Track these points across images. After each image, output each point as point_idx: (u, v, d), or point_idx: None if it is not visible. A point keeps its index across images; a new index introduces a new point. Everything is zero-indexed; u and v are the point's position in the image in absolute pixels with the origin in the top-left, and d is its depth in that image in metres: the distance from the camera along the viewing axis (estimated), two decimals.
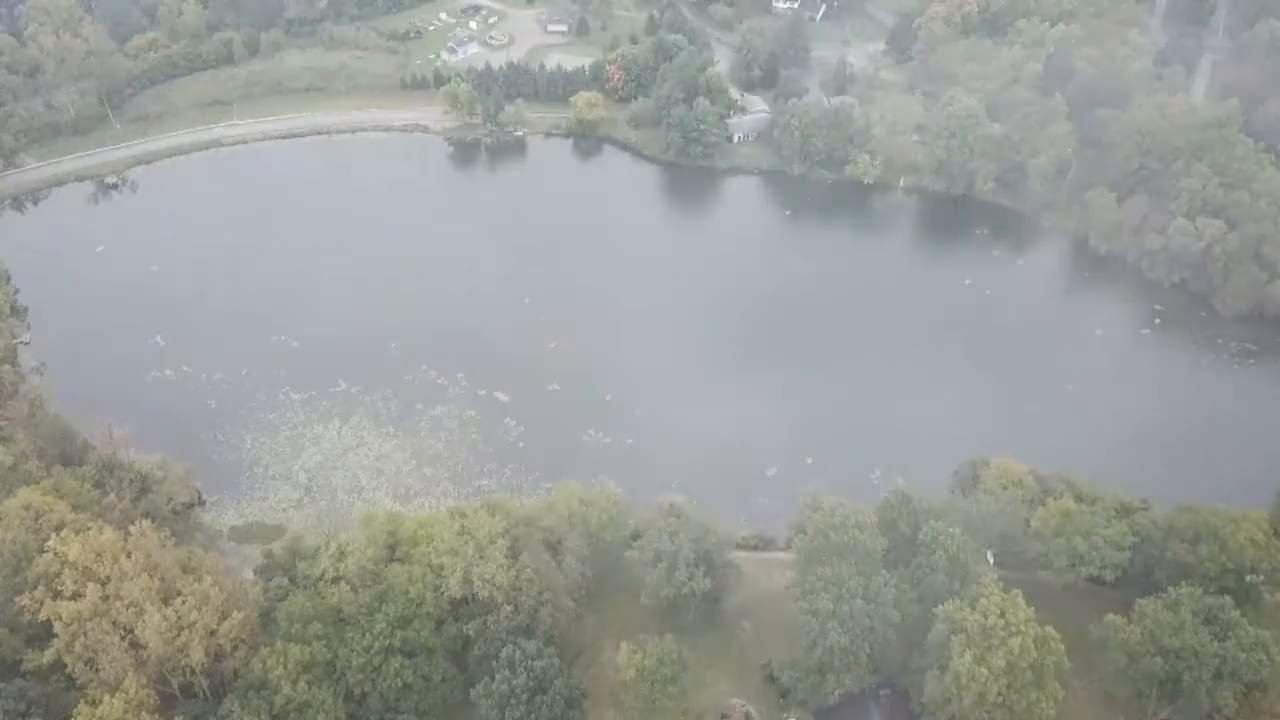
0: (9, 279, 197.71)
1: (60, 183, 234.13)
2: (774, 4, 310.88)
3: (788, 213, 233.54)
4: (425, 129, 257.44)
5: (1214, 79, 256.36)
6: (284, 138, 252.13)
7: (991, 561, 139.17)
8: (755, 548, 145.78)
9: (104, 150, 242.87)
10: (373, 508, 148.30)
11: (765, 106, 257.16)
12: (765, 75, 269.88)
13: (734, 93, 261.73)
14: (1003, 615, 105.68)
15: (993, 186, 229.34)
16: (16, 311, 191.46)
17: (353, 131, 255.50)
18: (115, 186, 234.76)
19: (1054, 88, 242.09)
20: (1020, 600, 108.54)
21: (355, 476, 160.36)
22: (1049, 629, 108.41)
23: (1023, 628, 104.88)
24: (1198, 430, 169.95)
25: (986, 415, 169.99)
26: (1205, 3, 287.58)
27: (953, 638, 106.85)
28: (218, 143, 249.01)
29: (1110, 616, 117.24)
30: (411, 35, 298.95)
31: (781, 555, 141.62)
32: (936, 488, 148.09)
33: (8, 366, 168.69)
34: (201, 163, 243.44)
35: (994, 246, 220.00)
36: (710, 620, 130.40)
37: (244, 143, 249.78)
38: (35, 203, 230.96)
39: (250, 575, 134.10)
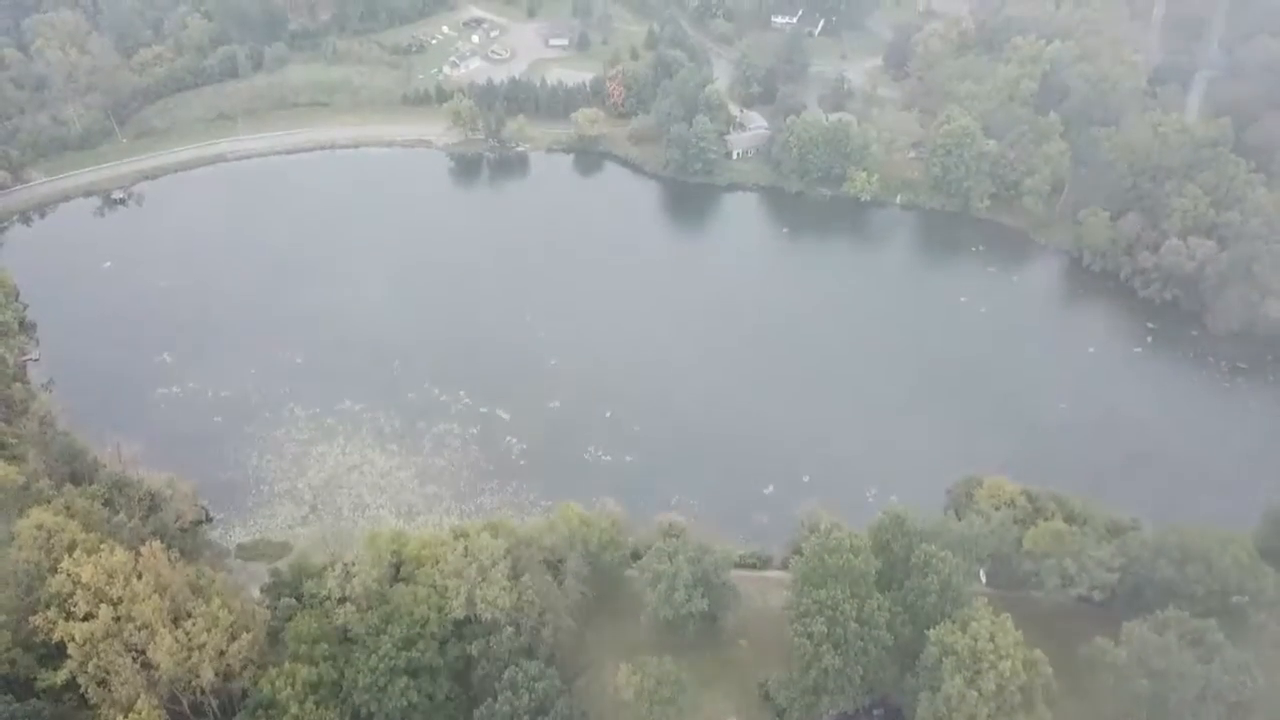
0: (17, 295, 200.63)
1: (67, 198, 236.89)
2: (773, 19, 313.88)
3: (785, 229, 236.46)
4: (428, 144, 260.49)
5: (1208, 96, 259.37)
6: (288, 153, 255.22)
7: (984, 580, 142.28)
8: (753, 566, 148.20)
9: (110, 165, 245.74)
10: (377, 526, 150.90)
11: (764, 122, 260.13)
12: (764, 91, 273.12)
13: (733, 109, 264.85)
14: (992, 639, 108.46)
15: (988, 204, 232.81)
16: (25, 328, 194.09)
17: (356, 146, 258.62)
18: (122, 201, 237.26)
19: (1049, 105, 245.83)
20: (1009, 624, 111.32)
21: (359, 494, 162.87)
22: (1037, 652, 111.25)
23: (1012, 651, 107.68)
24: (1188, 448, 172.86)
25: (981, 433, 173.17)
26: (1201, 19, 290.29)
27: (944, 660, 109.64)
28: (222, 158, 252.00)
29: (1098, 638, 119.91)
30: (414, 49, 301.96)
31: (779, 574, 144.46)
32: (931, 506, 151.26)
33: (18, 384, 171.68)
34: (207, 178, 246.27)
35: (989, 263, 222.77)
36: (708, 638, 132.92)
37: (248, 158, 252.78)
38: (43, 217, 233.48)
39: (257, 593, 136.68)
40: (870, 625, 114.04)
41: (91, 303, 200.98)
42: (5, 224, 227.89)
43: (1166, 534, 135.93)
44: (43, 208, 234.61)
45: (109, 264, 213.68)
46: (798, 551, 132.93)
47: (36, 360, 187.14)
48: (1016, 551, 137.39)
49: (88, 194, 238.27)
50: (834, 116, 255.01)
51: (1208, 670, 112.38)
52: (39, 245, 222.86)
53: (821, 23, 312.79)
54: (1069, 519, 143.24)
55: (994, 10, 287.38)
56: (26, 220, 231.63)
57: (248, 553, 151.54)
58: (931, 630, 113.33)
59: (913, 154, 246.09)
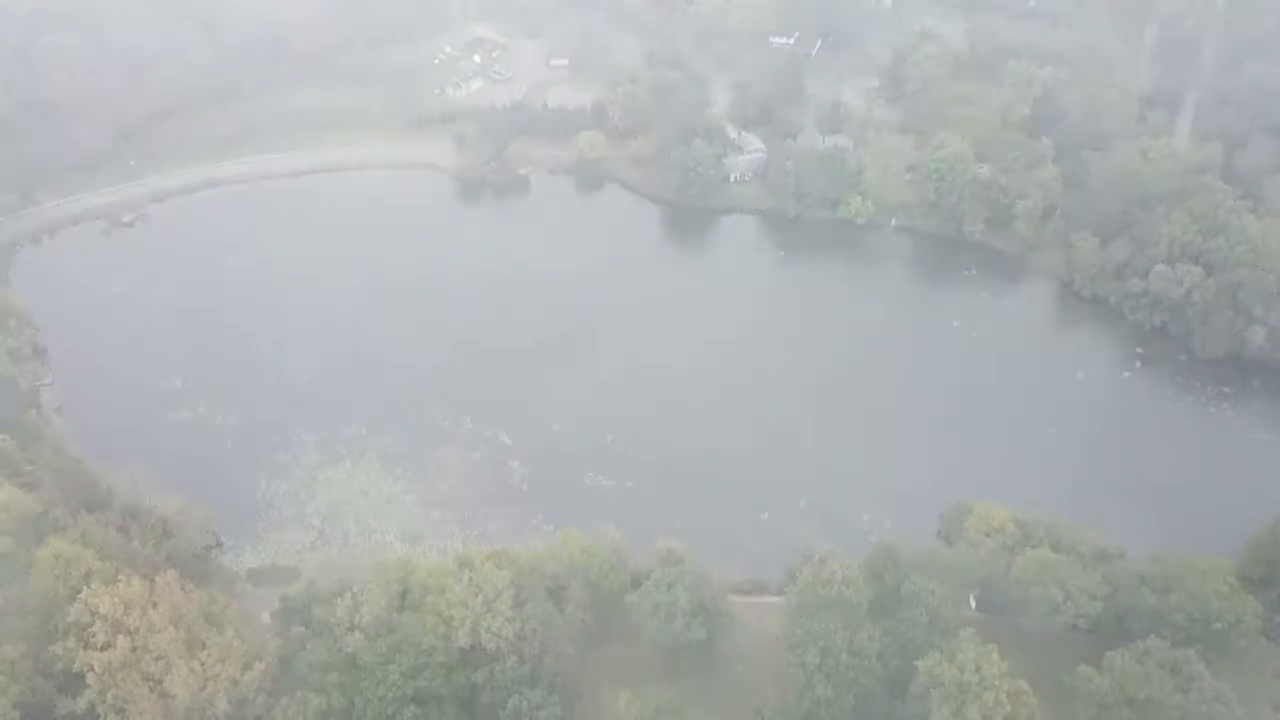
0: (29, 320, 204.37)
1: (76, 221, 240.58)
2: (771, 39, 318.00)
3: (782, 253, 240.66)
4: (431, 166, 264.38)
5: (1198, 120, 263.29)
6: (293, 175, 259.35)
7: (974, 606, 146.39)
8: (749, 592, 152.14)
9: (119, 187, 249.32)
10: (383, 551, 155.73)
11: (761, 145, 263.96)
12: (762, 113, 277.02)
13: (731, 131, 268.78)
14: (978, 670, 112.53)
15: (981, 227, 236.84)
16: (37, 353, 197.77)
17: (361, 169, 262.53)
18: (131, 224, 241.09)
19: (1042, 129, 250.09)
20: (995, 656, 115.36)
21: (366, 519, 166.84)
22: (1021, 683, 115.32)
23: (997, 682, 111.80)
24: (1175, 473, 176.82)
25: (973, 458, 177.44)
26: (1192, 44, 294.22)
27: (932, 691, 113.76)
28: (229, 180, 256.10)
29: (1081, 667, 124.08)
30: (417, 70, 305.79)
31: (775, 599, 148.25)
32: (923, 531, 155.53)
33: (33, 411, 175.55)
34: (214, 200, 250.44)
35: (982, 287, 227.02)
36: (706, 663, 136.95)
37: (254, 180, 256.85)
38: (53, 239, 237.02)
39: (268, 618, 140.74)
40: (861, 656, 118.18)
41: (101, 326, 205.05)
42: (15, 247, 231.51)
43: (1150, 563, 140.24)
44: (52, 231, 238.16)
45: (118, 289, 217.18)
46: (793, 578, 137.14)
47: (49, 385, 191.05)
48: (1005, 579, 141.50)
49: (96, 217, 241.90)
50: (830, 139, 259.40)
51: (1186, 700, 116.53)
52: (49, 269, 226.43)
53: (819, 43, 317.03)
54: (1056, 546, 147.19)
55: (988, 33, 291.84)
56: (36, 243, 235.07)
57: (258, 578, 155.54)
58: (920, 661, 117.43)
59: (908, 177, 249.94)
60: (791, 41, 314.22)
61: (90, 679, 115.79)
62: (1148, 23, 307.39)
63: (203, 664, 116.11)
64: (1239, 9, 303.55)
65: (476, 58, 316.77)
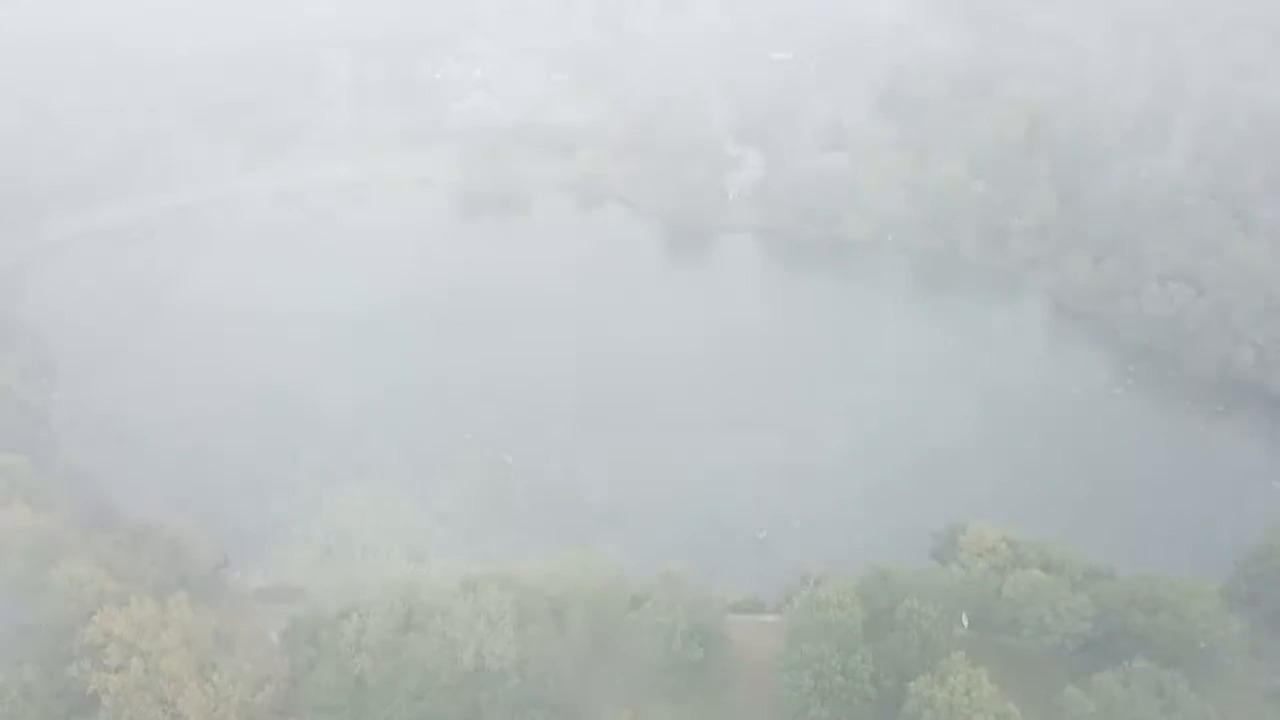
0: (38, 337, 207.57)
1: (85, 237, 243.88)
2: (770, 55, 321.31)
3: (778, 270, 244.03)
4: (432, 182, 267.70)
5: (1192, 140, 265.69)
6: (297, 192, 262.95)
7: (966, 625, 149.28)
8: (748, 611, 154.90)
9: (126, 204, 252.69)
10: (389, 570, 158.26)
11: (760, 162, 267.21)
12: (760, 129, 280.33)
13: (730, 148, 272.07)
14: (969, 693, 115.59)
15: (976, 245, 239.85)
16: (46, 370, 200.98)
17: (362, 185, 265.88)
18: (138, 241, 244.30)
19: (1038, 147, 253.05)
20: (984, 679, 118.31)
21: (371, 537, 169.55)
22: (1010, 705, 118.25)
23: (986, 705, 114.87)
24: (1165, 491, 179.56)
25: (965, 475, 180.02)
26: (1187, 62, 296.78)
27: (923, 713, 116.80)
28: (234, 197, 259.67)
29: (1070, 689, 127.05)
30: (418, 83, 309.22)
31: (771, 618, 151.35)
32: (917, 549, 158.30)
33: (42, 429, 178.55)
34: (220, 217, 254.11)
35: (976, 305, 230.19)
36: (705, 684, 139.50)
37: (258, 197, 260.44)
38: (61, 256, 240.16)
39: (275, 638, 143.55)
40: (855, 678, 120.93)
41: (109, 344, 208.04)
42: (24, 264, 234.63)
43: (1139, 584, 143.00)
44: (60, 248, 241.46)
45: (126, 306, 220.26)
46: (789, 599, 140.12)
47: (59, 403, 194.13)
48: (996, 599, 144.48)
49: (104, 234, 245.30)
50: (828, 155, 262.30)
51: None
52: (57, 286, 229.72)
53: (818, 58, 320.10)
54: (1047, 566, 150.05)
55: (986, 51, 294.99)
56: (44, 260, 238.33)
57: (266, 596, 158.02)
58: (912, 684, 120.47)
59: (905, 195, 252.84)
60: (790, 57, 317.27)
61: (105, 701, 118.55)
62: (1144, 42, 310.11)
63: (214, 686, 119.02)
64: (1234, 30, 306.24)
65: (478, 72, 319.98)
